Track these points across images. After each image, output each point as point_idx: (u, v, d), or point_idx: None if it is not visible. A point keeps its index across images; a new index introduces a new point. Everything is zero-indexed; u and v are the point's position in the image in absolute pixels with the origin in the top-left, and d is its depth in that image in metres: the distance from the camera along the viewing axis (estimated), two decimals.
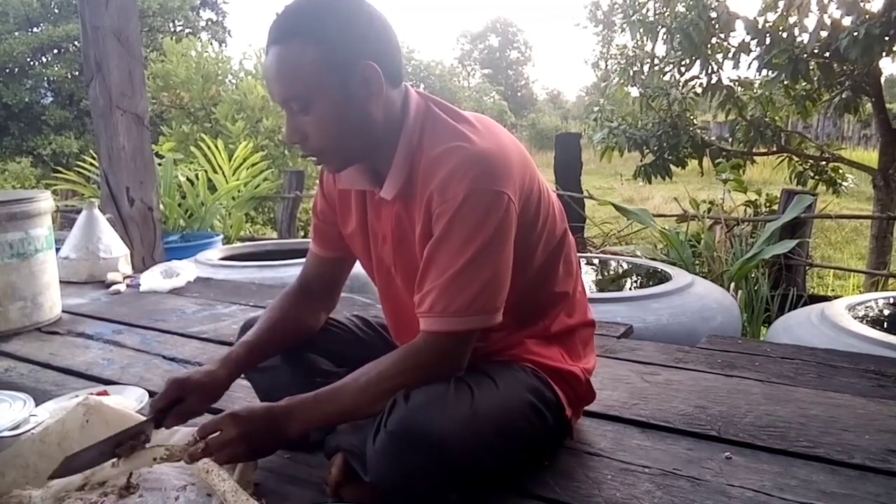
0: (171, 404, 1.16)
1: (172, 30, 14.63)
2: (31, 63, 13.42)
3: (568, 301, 1.27)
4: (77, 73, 12.86)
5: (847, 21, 4.33)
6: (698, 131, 5.66)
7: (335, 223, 1.32)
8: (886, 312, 2.53)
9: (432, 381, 1.07)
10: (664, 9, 5.43)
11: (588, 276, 3.61)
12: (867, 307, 2.47)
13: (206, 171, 5.40)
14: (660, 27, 5.34)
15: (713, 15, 5.00)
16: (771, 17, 4.99)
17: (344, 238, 1.32)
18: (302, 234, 6.75)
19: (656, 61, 5.75)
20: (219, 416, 1.08)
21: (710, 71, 5.31)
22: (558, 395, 1.22)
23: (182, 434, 1.23)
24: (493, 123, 1.16)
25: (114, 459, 1.12)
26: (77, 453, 1.09)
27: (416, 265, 1.13)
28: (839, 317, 2.20)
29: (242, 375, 1.32)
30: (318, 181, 1.35)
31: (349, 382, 1.10)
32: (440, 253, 1.06)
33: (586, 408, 1.40)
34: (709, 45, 5.14)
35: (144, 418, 1.26)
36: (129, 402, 1.54)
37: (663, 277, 2.99)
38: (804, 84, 5.06)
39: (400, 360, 1.10)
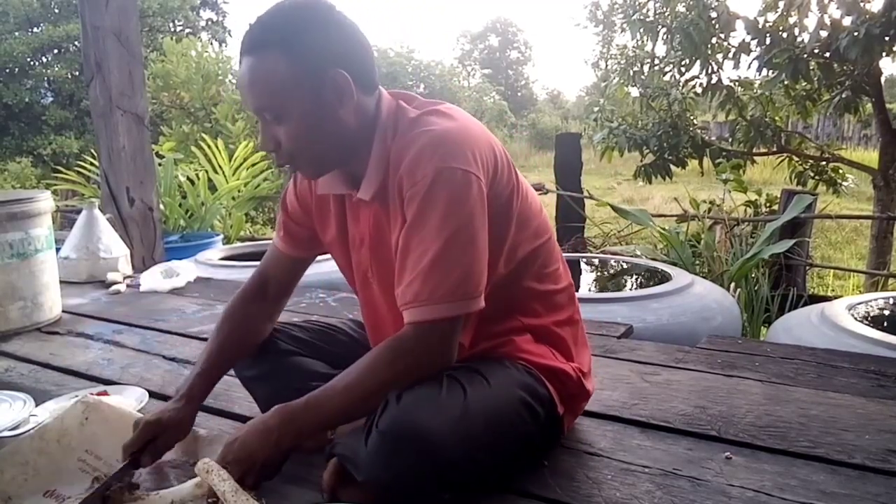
0: (145, 445, 1.17)
1: (172, 30, 14.65)
2: (31, 63, 13.44)
3: (553, 297, 1.26)
4: (77, 73, 12.87)
5: (847, 21, 4.33)
6: (698, 131, 5.64)
7: (306, 225, 1.33)
8: (886, 312, 2.52)
9: (423, 374, 1.06)
10: (664, 9, 5.41)
11: (588, 276, 3.61)
12: (867, 307, 2.46)
13: (206, 171, 5.40)
14: (660, 27, 5.33)
15: (713, 15, 4.99)
16: (771, 17, 4.98)
17: (312, 240, 1.33)
18: None
19: (656, 61, 5.74)
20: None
21: (710, 71, 5.30)
22: (550, 391, 1.22)
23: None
24: (461, 111, 1.16)
25: None
26: None
27: (392, 268, 1.12)
28: (839, 317, 2.20)
29: (241, 384, 1.38)
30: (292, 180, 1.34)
31: (336, 384, 1.09)
32: (416, 238, 1.05)
33: (586, 408, 1.39)
34: (709, 45, 5.13)
35: (140, 415, 1.26)
36: (129, 402, 1.55)
37: (663, 277, 2.99)
38: (804, 84, 5.05)
39: (387, 354, 1.08)
